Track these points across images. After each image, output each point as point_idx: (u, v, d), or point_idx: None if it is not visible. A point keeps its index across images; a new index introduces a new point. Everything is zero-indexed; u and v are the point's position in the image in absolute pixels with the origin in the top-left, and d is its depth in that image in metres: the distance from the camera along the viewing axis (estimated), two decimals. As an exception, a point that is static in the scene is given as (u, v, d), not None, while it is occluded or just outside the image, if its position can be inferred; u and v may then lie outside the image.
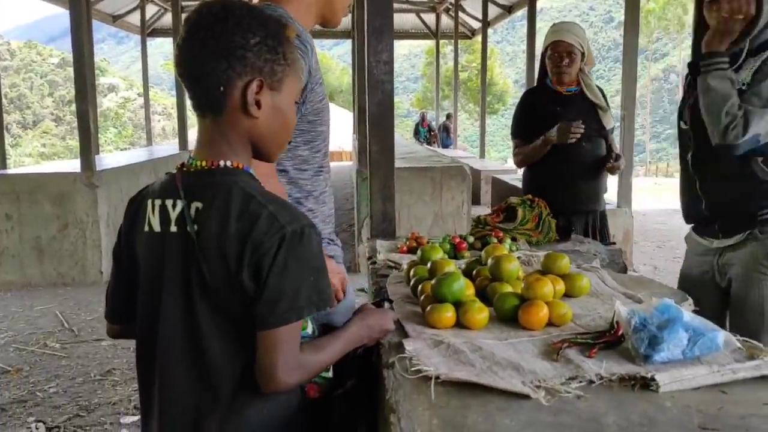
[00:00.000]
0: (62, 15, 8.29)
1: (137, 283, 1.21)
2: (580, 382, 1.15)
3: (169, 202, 1.15)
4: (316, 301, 1.11)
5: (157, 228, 1.16)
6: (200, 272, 1.10)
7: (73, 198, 5.81)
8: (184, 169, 1.16)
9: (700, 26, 2.09)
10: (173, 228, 1.14)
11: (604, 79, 52.77)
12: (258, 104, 1.14)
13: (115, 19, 13.45)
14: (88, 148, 5.80)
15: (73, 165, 6.46)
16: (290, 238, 1.07)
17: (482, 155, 12.80)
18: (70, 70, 5.63)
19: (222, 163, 1.15)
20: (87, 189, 5.80)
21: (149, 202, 1.17)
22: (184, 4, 14.14)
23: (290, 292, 1.08)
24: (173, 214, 1.14)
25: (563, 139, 2.94)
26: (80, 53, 5.65)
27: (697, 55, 2.06)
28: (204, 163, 1.15)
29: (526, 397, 1.09)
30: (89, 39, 9.78)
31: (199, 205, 1.11)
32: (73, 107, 5.91)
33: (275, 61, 1.15)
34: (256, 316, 1.08)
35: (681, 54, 38.78)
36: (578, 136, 2.93)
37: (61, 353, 4.23)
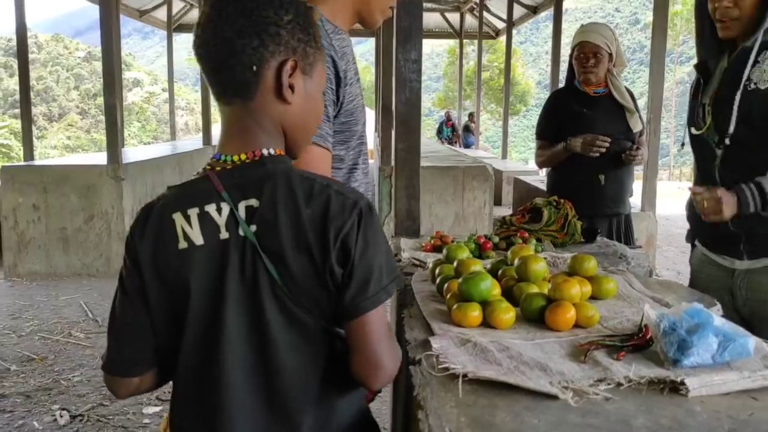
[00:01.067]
0: (89, 9, 8.38)
1: (164, 318, 1.05)
2: (609, 384, 1.14)
3: (210, 208, 1.01)
4: (393, 276, 1.04)
5: (199, 241, 1.01)
6: (269, 276, 0.99)
7: (99, 190, 5.89)
8: (218, 168, 1.04)
9: (702, 26, 1.95)
10: (223, 235, 1.01)
11: (629, 81, 52.28)
12: (291, 88, 1.04)
13: (141, 14, 13.59)
14: (114, 141, 5.88)
15: (99, 158, 6.55)
16: (366, 213, 1.01)
17: (504, 156, 12.75)
18: (96, 64, 5.70)
19: (265, 151, 1.04)
20: (113, 182, 5.88)
21: (177, 215, 1.02)
22: None
23: (376, 271, 1.01)
24: (221, 220, 1.01)
25: (586, 151, 2.94)
26: (109, 47, 5.72)
27: (702, 56, 1.95)
28: (243, 156, 1.03)
29: (554, 397, 1.09)
30: (117, 34, 9.91)
31: (253, 202, 1.00)
32: (98, 101, 5.99)
33: (307, 42, 1.06)
34: (346, 304, 1.00)
35: (708, 57, 38.25)
36: (602, 150, 2.93)
37: (85, 343, 4.30)
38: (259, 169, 1.03)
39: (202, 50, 1.04)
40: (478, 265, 1.67)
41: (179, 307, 1.03)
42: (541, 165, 3.35)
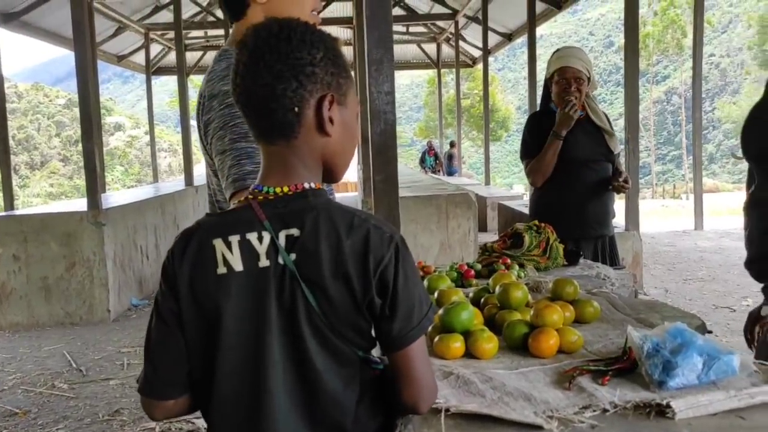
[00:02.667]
0: (68, 56, 8.40)
1: (197, 343, 1.07)
2: (594, 411, 1.12)
3: (251, 236, 1.04)
4: (430, 303, 1.09)
5: (238, 267, 1.04)
6: (306, 304, 1.02)
7: (80, 237, 5.82)
8: (260, 198, 1.07)
9: None
10: (263, 262, 1.04)
11: (607, 102, 53.06)
12: (331, 121, 1.08)
13: (120, 59, 13.69)
14: (94, 187, 5.83)
15: (80, 204, 6.49)
16: (401, 246, 1.05)
17: (487, 182, 12.81)
18: (77, 111, 5.69)
19: (307, 185, 1.08)
20: (93, 228, 5.82)
21: (218, 241, 1.05)
22: (187, 42, 14.39)
23: (417, 301, 1.06)
24: (261, 248, 1.04)
25: (568, 120, 2.93)
26: (85, 93, 5.72)
27: None
28: (286, 189, 1.07)
29: (539, 427, 1.06)
30: (94, 79, 9.92)
31: (294, 232, 1.03)
32: (80, 147, 5.95)
33: (339, 74, 1.09)
34: (394, 335, 1.04)
35: (682, 76, 38.98)
36: (574, 104, 2.93)
37: (69, 394, 4.19)
38: (301, 201, 1.06)
39: (242, 97, 1.08)
40: (458, 295, 1.64)
41: (212, 332, 1.05)
42: (537, 177, 3.09)
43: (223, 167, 1.45)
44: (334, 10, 13.82)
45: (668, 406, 1.09)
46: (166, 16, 12.25)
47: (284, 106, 1.05)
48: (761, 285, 1.62)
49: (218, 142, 1.48)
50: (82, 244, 5.82)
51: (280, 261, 1.03)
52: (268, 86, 1.04)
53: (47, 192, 34.48)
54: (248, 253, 1.04)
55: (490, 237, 8.02)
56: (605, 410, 1.12)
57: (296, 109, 1.05)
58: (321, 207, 1.06)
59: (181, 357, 1.09)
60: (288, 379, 1.04)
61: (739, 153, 1.66)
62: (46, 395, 4.19)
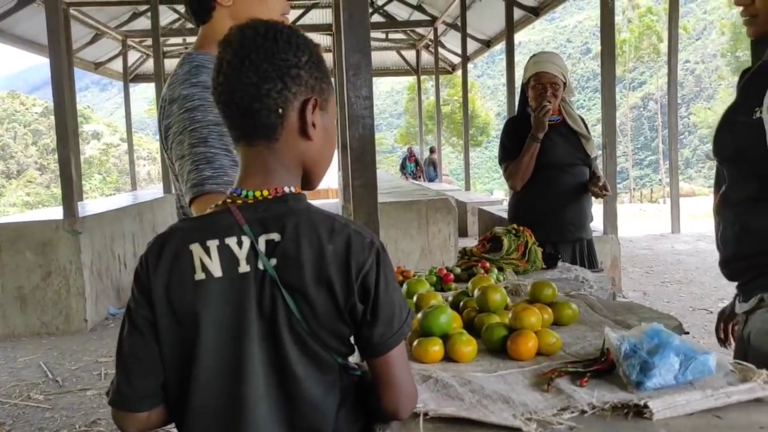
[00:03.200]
0: (45, 64, 8.31)
1: (172, 352, 1.04)
2: (572, 412, 1.12)
3: (231, 241, 1.02)
4: (408, 309, 1.09)
5: (217, 273, 1.02)
6: (287, 310, 1.01)
7: (56, 246, 5.73)
8: (239, 202, 1.05)
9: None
10: (243, 268, 1.01)
11: (585, 108, 53.57)
12: (314, 125, 1.07)
13: (97, 66, 13.55)
14: (70, 195, 5.75)
15: (56, 213, 6.40)
16: (382, 251, 1.05)
17: (468, 187, 12.86)
18: (54, 119, 5.61)
19: (287, 189, 1.06)
20: (70, 236, 5.73)
21: (195, 246, 1.02)
22: (165, 49, 14.30)
23: (397, 307, 1.06)
24: (241, 253, 1.02)
25: (543, 122, 2.94)
26: (61, 101, 5.64)
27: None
28: (266, 192, 1.05)
29: (518, 430, 1.06)
30: (71, 87, 9.82)
31: (274, 236, 1.01)
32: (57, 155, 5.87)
33: (323, 79, 1.09)
34: (375, 341, 1.04)
35: (658, 82, 39.50)
36: (548, 108, 2.94)
37: (45, 405, 4.12)
38: (281, 206, 1.05)
39: (224, 96, 1.06)
40: (437, 299, 1.64)
41: (188, 340, 1.02)
42: (516, 180, 3.09)
43: (183, 172, 1.43)
44: (313, 17, 13.83)
45: (646, 406, 1.09)
46: (143, 23, 12.16)
47: (268, 107, 1.03)
48: (736, 285, 1.64)
49: (178, 147, 1.46)
50: (58, 253, 5.73)
51: (261, 266, 1.01)
52: (254, 85, 1.02)
53: (24, 201, 33.99)
54: (227, 258, 1.02)
55: (471, 242, 8.04)
56: (583, 411, 1.12)
57: (280, 110, 1.04)
58: (302, 211, 1.04)
59: (156, 367, 1.05)
60: (268, 388, 1.02)
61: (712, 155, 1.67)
62: (21, 407, 4.12)
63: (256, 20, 1.09)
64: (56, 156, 5.90)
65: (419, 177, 17.13)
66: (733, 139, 1.57)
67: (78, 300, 5.79)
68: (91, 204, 8.59)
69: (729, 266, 1.62)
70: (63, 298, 5.78)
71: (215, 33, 1.53)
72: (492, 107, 44.15)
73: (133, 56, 14.39)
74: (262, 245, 1.02)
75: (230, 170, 1.42)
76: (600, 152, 5.09)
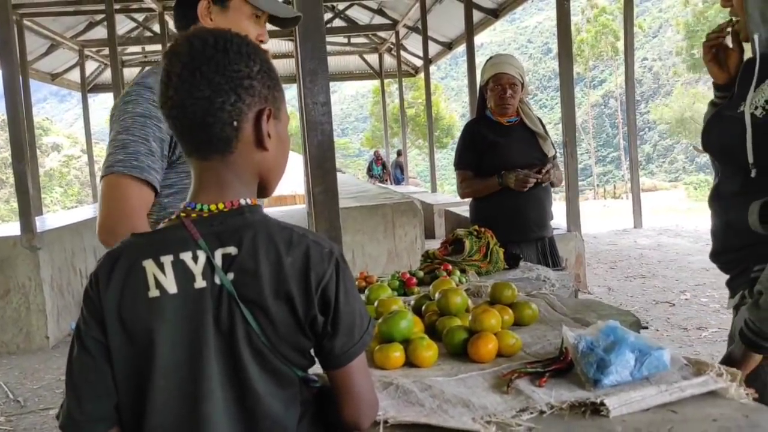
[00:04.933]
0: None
1: (125, 372, 1.01)
2: (531, 413, 1.12)
3: (185, 256, 0.99)
4: (369, 317, 1.08)
5: (172, 289, 0.99)
6: (246, 326, 0.98)
7: (14, 262, 5.58)
8: (193, 215, 1.02)
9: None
10: (199, 283, 0.99)
11: (547, 107, 54.24)
12: (269, 135, 1.05)
13: (54, 77, 13.28)
14: (27, 210, 5.61)
15: (14, 228, 6.24)
16: (341, 261, 1.03)
17: (434, 189, 12.91)
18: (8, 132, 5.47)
19: (243, 201, 1.04)
20: (28, 252, 5.59)
21: (149, 262, 0.99)
22: (124, 58, 14.07)
23: (358, 316, 1.04)
24: (196, 268, 0.99)
25: (520, 188, 2.98)
26: (15, 114, 5.50)
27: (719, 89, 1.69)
28: (222, 206, 1.02)
29: (477, 433, 1.06)
30: (27, 99, 9.59)
31: (231, 250, 0.99)
32: (14, 169, 5.72)
33: (275, 87, 1.06)
34: (337, 353, 1.03)
35: (617, 80, 40.18)
36: (532, 183, 2.98)
37: (7, 427, 4.00)
38: (237, 218, 1.02)
39: (175, 111, 1.02)
40: (398, 304, 1.64)
41: (143, 360, 0.99)
42: (466, 196, 3.31)
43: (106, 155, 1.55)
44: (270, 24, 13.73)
45: (602, 404, 1.11)
46: (100, 32, 11.93)
47: (222, 120, 1.00)
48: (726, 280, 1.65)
49: (109, 135, 1.57)
50: (16, 269, 5.58)
51: (217, 281, 0.98)
52: (206, 99, 0.99)
53: (-19, 217, 33.08)
54: (182, 273, 0.99)
55: (438, 243, 8.07)
56: (542, 412, 1.12)
57: (235, 123, 1.01)
58: (258, 224, 1.02)
59: (108, 389, 1.01)
60: (228, 406, 0.99)
61: (701, 147, 1.70)
62: (-19, 430, 4.00)
63: (203, 29, 1.05)
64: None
65: (386, 180, 17.16)
66: (720, 132, 1.60)
67: (39, 317, 5.64)
68: (51, 218, 8.39)
69: (719, 259, 1.65)
70: (23, 315, 5.63)
71: None
72: (456, 109, 44.43)
73: (90, 66, 14.13)
74: (218, 259, 0.99)
75: (143, 157, 1.52)
76: (561, 151, 5.16)
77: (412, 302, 1.81)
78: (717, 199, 1.63)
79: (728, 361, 1.39)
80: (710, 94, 1.75)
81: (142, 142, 1.53)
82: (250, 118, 1.03)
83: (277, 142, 1.08)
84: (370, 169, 18.55)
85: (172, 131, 1.06)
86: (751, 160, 1.47)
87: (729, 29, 1.63)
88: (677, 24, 35.76)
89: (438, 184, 13.15)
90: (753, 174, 1.48)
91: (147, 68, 1.65)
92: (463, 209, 8.03)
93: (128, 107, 1.57)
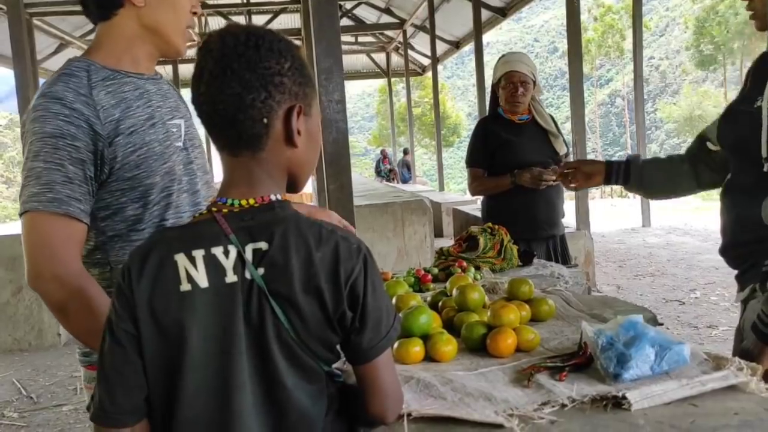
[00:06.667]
0: (9, 75, 8.16)
1: (156, 365, 1.02)
2: (553, 407, 1.13)
3: (217, 250, 1.00)
4: (395, 313, 1.09)
5: (204, 283, 1.00)
6: (275, 320, 0.99)
7: (26, 260, 5.62)
8: (225, 210, 1.03)
9: None
10: (230, 278, 1.00)
11: (554, 106, 54.17)
12: (299, 132, 1.05)
13: (63, 76, 13.29)
14: (39, 207, 5.64)
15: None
16: (369, 257, 1.03)
17: (441, 188, 12.93)
18: (19, 131, 5.50)
19: (273, 197, 1.04)
20: (40, 249, 5.63)
21: (180, 256, 1.00)
22: (133, 57, 14.10)
23: (384, 312, 1.05)
24: (227, 263, 1.00)
25: (535, 185, 2.98)
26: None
27: None
28: (252, 201, 1.03)
29: (500, 426, 1.07)
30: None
31: (262, 245, 0.99)
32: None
33: (306, 84, 1.06)
34: (364, 347, 1.03)
35: (624, 78, 40.15)
36: (550, 182, 2.97)
37: (20, 422, 4.04)
38: (268, 214, 1.03)
39: (207, 107, 1.03)
40: (416, 300, 1.65)
41: (174, 353, 1.00)
42: (478, 194, 3.33)
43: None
44: (282, 22, 13.79)
45: (624, 397, 1.11)
46: (109, 31, 11.99)
47: (252, 117, 1.01)
48: (735, 275, 1.66)
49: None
50: (28, 267, 5.62)
51: (248, 276, 0.99)
52: (237, 96, 1.00)
53: (-10, 215, 33.26)
54: (214, 268, 1.00)
55: (447, 242, 8.08)
56: (564, 405, 1.13)
57: (265, 120, 1.02)
58: (289, 219, 1.03)
59: (139, 381, 1.02)
60: (257, 399, 1.01)
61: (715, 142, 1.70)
62: (-5, 426, 4.03)
63: (236, 26, 1.06)
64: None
65: (393, 179, 17.18)
66: (734, 128, 1.61)
67: (50, 315, 5.62)
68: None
69: (727, 253, 1.65)
70: (35, 313, 5.67)
71: (114, 36, 1.46)
72: (463, 107, 44.44)
73: (99, 65, 14.19)
74: (249, 254, 1.00)
75: (59, 186, 1.31)
76: (571, 149, 5.15)
77: (429, 298, 1.82)
78: (728, 193, 1.64)
79: (744, 355, 1.40)
80: (718, 93, 1.75)
81: (57, 169, 1.31)
82: (281, 115, 1.03)
83: (307, 139, 1.08)
84: (377, 168, 18.58)
85: (205, 127, 1.06)
86: (764, 154, 1.48)
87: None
88: (686, 20, 35.61)
89: (444, 183, 13.15)
90: (766, 168, 1.49)
91: (56, 72, 1.41)
92: (471, 208, 8.04)
93: (35, 126, 1.33)
